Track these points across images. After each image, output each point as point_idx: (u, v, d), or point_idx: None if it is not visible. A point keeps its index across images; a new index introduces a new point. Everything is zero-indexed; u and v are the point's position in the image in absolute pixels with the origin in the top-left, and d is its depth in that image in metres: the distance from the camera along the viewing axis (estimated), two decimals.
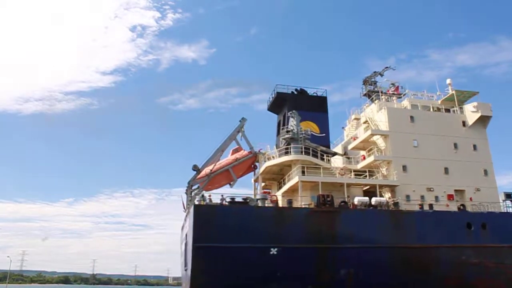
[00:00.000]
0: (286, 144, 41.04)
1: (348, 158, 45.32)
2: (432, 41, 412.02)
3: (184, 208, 43.36)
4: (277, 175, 44.52)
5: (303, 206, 34.89)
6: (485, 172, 42.37)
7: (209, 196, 35.07)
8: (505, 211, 39.95)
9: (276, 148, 45.66)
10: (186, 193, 43.47)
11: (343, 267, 33.24)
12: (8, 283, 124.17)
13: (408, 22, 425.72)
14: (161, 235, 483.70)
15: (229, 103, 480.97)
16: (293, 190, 38.14)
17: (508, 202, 40.24)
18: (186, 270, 36.76)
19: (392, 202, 36.60)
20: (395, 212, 35.95)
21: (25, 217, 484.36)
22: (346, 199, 36.12)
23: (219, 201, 34.29)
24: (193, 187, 41.43)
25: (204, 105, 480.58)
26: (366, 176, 39.69)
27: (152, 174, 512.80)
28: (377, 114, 43.37)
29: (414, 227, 35.50)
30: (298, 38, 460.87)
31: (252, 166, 44.84)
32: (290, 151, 40.22)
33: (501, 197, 40.64)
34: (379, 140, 41.58)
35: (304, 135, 40.97)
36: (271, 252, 32.17)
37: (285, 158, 39.98)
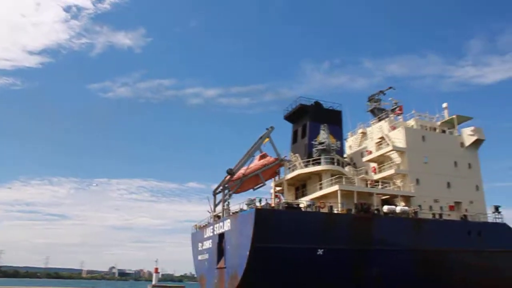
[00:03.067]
0: (318, 154, 45.52)
1: (356, 168, 50.79)
2: (367, 49, 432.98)
3: (211, 209, 46.65)
4: (298, 182, 48.98)
5: (345, 212, 39.50)
6: (477, 187, 49.86)
7: (266, 200, 38.80)
8: (494, 221, 47.26)
9: (293, 155, 50.05)
10: (213, 195, 46.94)
11: (375, 266, 38.47)
12: None
13: (346, 28, 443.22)
14: (78, 226, 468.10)
15: (161, 94, 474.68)
16: (325, 196, 42.66)
17: (496, 214, 47.62)
18: (221, 268, 40.22)
19: (413, 211, 42.31)
20: (416, 220, 41.80)
21: None
22: (375, 207, 41.37)
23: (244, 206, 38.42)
24: (224, 190, 44.98)
25: (135, 94, 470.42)
26: (381, 186, 45.18)
27: (73, 163, 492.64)
28: (392, 132, 49.01)
29: (431, 233, 41.56)
30: (235, 35, 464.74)
31: (276, 171, 49.24)
32: (321, 161, 44.89)
33: (491, 209, 47.98)
34: (393, 155, 47.26)
35: (334, 147, 45.75)
36: (318, 253, 36.63)
37: (318, 168, 44.73)
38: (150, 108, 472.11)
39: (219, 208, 45.78)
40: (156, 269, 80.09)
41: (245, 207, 39.06)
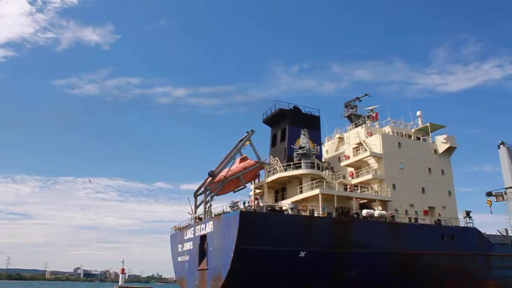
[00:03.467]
0: (298, 158, 46.46)
1: (333, 172, 52.06)
2: (336, 53, 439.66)
3: (191, 211, 46.99)
4: (278, 184, 49.80)
5: (325, 216, 40.46)
6: (449, 193, 51.88)
7: (248, 202, 39.44)
8: (465, 225, 49.26)
9: (272, 158, 50.89)
10: (194, 196, 47.34)
11: (353, 268, 39.65)
12: None
13: (315, 32, 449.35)
14: (42, 225, 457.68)
15: (129, 93, 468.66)
16: (305, 200, 43.56)
17: (467, 218, 49.65)
18: (202, 269, 40.63)
19: (390, 215, 43.72)
20: (393, 224, 43.22)
21: None
22: (355, 211, 42.56)
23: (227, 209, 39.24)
24: (199, 192, 45.50)
25: (103, 92, 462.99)
26: (359, 190, 46.48)
27: (37, 161, 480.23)
28: (369, 138, 50.44)
29: (407, 237, 43.06)
30: (205, 35, 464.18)
31: (256, 174, 49.96)
32: (302, 165, 45.85)
33: (462, 214, 50.00)
34: (370, 160, 48.66)
35: (314, 152, 46.80)
36: (300, 255, 37.51)
37: (299, 171, 45.64)
38: (117, 107, 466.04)
39: (200, 210, 46.23)
40: (123, 270, 79.49)
41: (228, 210, 39.63)
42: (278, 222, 37.82)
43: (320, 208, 40.91)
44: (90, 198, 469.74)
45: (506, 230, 58.88)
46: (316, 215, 40.26)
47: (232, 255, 35.73)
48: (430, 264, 43.44)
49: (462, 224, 49.61)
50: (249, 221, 36.51)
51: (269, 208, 38.90)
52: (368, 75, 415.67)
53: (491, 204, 63.24)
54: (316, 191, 42.04)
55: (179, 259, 47.76)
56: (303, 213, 39.79)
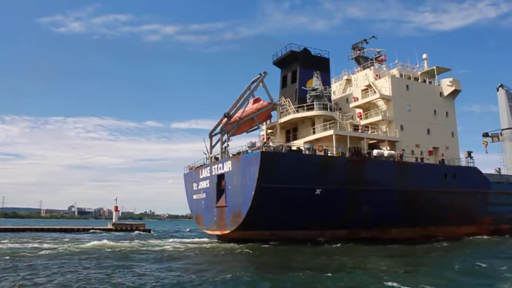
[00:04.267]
0: (311, 100, 47.82)
1: (341, 113, 53.64)
2: None
3: (207, 151, 48.66)
4: (290, 125, 51.43)
5: (340, 156, 42.45)
6: (452, 134, 54.11)
7: (267, 143, 41.15)
8: (467, 165, 51.93)
9: (284, 99, 52.10)
10: (209, 137, 48.89)
11: (365, 204, 42.10)
12: None
13: None
14: (35, 165, 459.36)
15: (117, 30, 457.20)
16: (318, 140, 45.34)
17: (469, 158, 52.27)
18: (221, 206, 42.83)
19: (399, 155, 45.88)
20: (401, 163, 45.50)
21: None
22: (366, 151, 44.61)
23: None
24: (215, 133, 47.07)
25: (89, 30, 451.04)
26: (369, 131, 48.39)
27: (25, 102, 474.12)
28: (378, 80, 51.75)
29: (413, 175, 45.48)
30: None
31: (269, 115, 51.45)
32: (315, 107, 47.33)
33: (464, 154, 52.55)
34: (379, 102, 50.22)
35: (326, 93, 48.13)
36: (316, 192, 39.75)
37: (313, 113, 47.19)
38: (105, 45, 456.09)
39: (215, 150, 47.94)
40: (116, 207, 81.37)
41: (246, 150, 41.34)
42: (296, 161, 39.66)
43: (334, 148, 42.79)
44: (81, 138, 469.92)
45: (499, 169, 62.15)
46: (329, 154, 42.24)
47: (253, 192, 37.78)
48: (434, 200, 46.17)
49: (463, 163, 52.22)
50: (269, 160, 38.25)
51: (288, 148, 40.64)
52: (360, 12, 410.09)
53: (487, 145, 66.22)
54: (330, 132, 43.73)
55: (195, 197, 49.90)
56: (318, 153, 41.68)
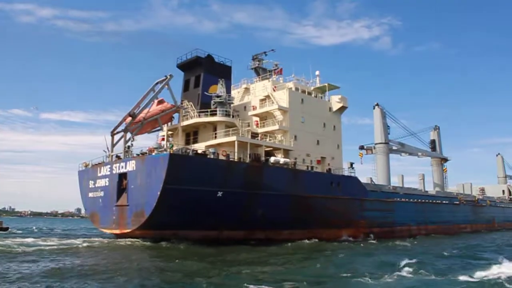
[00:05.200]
0: (215, 106, 49.75)
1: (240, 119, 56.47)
2: None
3: (107, 149, 48.33)
4: (191, 128, 52.85)
5: (241, 161, 44.92)
6: (338, 146, 59.73)
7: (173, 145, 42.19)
8: (349, 174, 57.73)
9: (187, 103, 53.34)
10: (111, 135, 48.66)
11: (260, 208, 45.02)
12: None
13: None
14: None
15: None
16: (219, 145, 47.35)
17: (351, 168, 58.22)
18: (122, 205, 43.08)
19: (293, 162, 49.68)
20: (295, 170, 49.33)
21: None
22: (262, 158, 47.65)
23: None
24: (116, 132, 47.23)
25: None
26: (268, 139, 51.66)
27: None
28: (276, 92, 55.41)
29: (305, 182, 49.58)
30: None
31: (172, 117, 52.48)
32: (218, 113, 49.43)
33: (347, 165, 58.36)
34: (276, 112, 53.79)
35: (230, 101, 50.45)
36: (218, 195, 41.80)
37: (216, 118, 49.19)
38: None
39: (116, 149, 47.74)
40: None
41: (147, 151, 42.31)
42: (202, 165, 41.40)
43: (236, 153, 45.20)
44: None
45: (371, 178, 69.92)
46: (231, 159, 44.54)
47: (158, 193, 38.69)
48: (321, 205, 50.67)
49: (346, 173, 57.96)
50: (177, 162, 39.50)
51: (194, 152, 42.12)
52: (248, 19, 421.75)
53: (362, 156, 73.88)
54: (233, 138, 46.05)
55: (90, 195, 48.94)
56: (221, 157, 43.71)
